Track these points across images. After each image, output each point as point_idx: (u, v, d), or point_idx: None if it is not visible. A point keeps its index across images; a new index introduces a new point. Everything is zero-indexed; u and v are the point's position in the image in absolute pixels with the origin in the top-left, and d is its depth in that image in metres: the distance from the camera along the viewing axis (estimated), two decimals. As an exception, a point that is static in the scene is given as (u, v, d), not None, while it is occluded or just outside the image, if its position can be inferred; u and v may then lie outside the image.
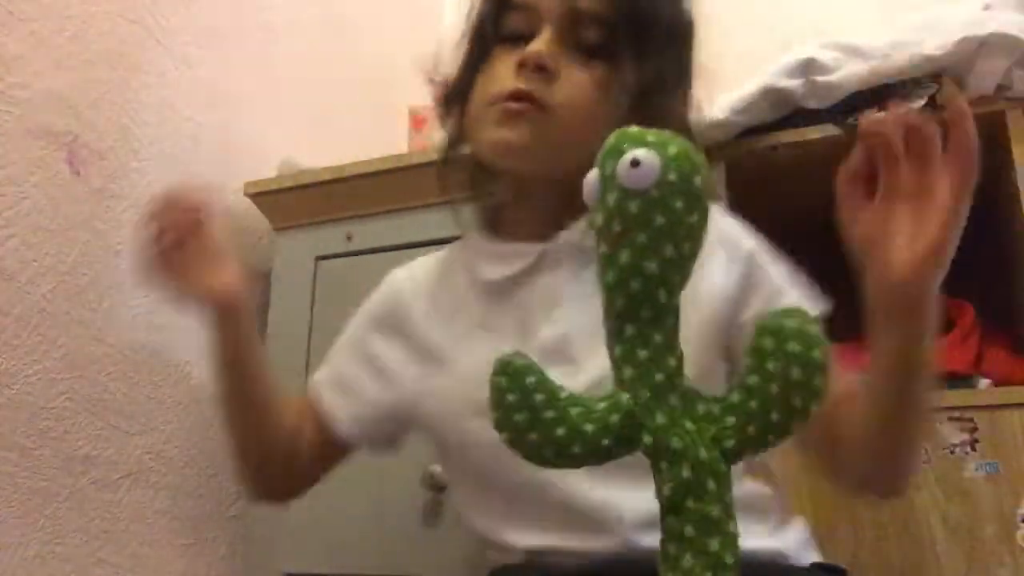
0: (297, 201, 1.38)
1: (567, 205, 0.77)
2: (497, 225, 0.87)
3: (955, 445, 1.00)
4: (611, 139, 0.48)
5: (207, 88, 1.41)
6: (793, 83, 1.13)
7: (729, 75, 1.20)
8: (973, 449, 0.99)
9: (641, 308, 0.46)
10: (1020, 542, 0.95)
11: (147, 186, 1.27)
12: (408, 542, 1.13)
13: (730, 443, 0.45)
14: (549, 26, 0.77)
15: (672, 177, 0.45)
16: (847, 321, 1.28)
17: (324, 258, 1.35)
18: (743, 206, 1.36)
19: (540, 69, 0.75)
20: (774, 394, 0.44)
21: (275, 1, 1.59)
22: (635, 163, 0.45)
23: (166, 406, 1.26)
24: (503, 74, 0.78)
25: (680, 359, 0.48)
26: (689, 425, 0.46)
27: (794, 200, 1.35)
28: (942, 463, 1.00)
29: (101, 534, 1.13)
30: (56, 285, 1.11)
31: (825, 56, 1.12)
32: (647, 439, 0.46)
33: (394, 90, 1.87)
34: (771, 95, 1.16)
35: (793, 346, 0.43)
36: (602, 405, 0.47)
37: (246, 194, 1.41)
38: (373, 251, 1.32)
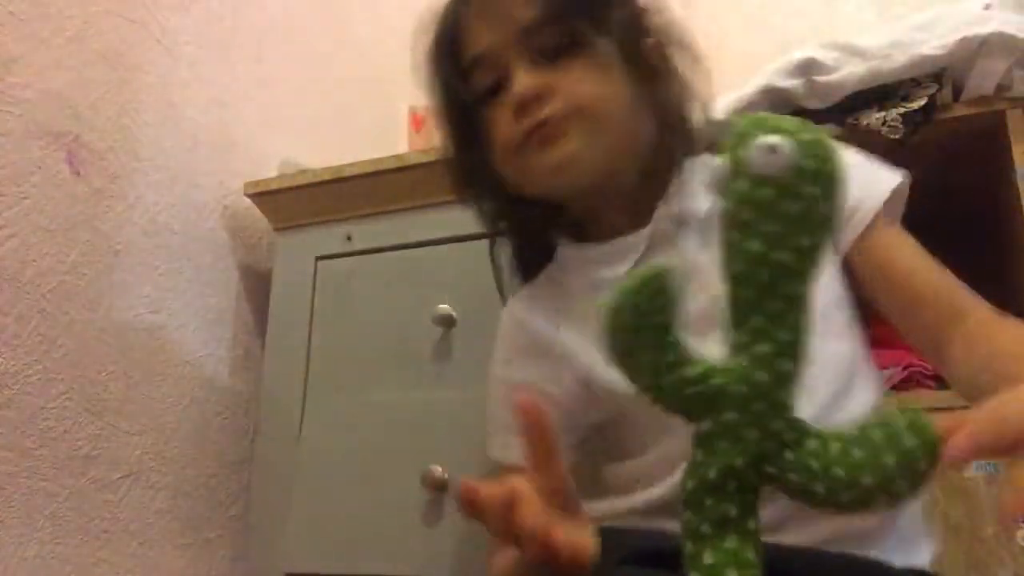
0: (297, 201, 1.38)
1: (646, 183, 0.77)
2: (585, 236, 0.86)
3: (955, 445, 1.00)
4: (742, 124, 0.45)
5: (207, 88, 1.41)
6: (793, 83, 1.13)
7: (729, 75, 1.20)
8: (973, 449, 0.99)
9: (770, 300, 0.44)
10: (1020, 542, 0.95)
11: (147, 186, 1.27)
12: (408, 542, 1.13)
13: (771, 471, 0.44)
14: (514, 59, 0.76)
15: (808, 163, 0.42)
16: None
17: (324, 258, 1.35)
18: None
19: (537, 99, 0.75)
20: (842, 472, 0.42)
21: (275, 1, 1.59)
22: (771, 149, 0.42)
23: (166, 406, 1.26)
24: (507, 125, 0.77)
25: (798, 364, 0.45)
26: (751, 433, 0.44)
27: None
28: (942, 463, 1.00)
29: (101, 534, 1.13)
30: (56, 285, 1.11)
31: (825, 56, 1.12)
32: (706, 425, 0.45)
33: (394, 90, 1.87)
34: (771, 95, 1.16)
35: (922, 465, 0.42)
36: (693, 372, 0.45)
37: (246, 194, 1.41)
38: (373, 251, 1.32)
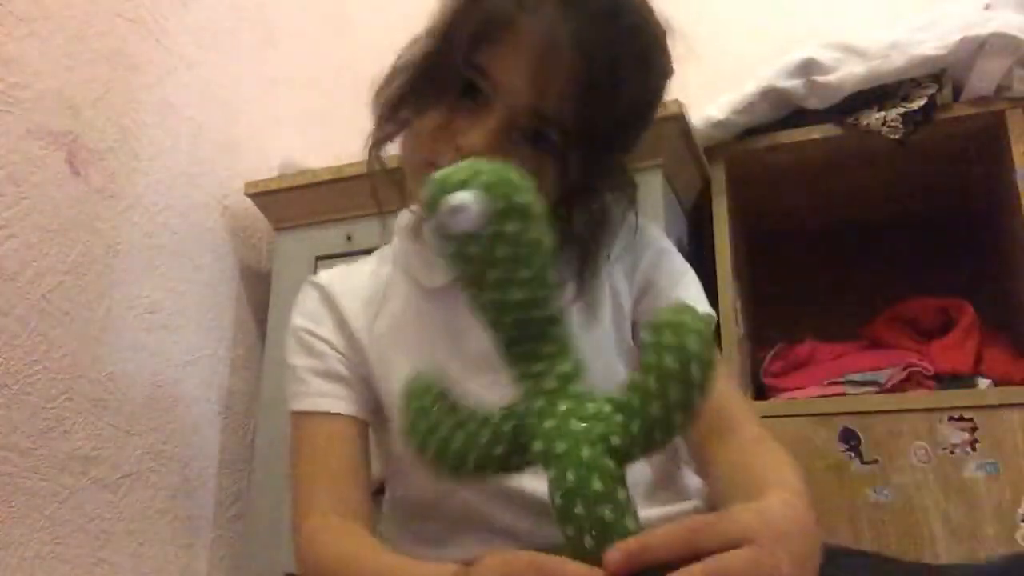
0: (297, 201, 1.38)
1: None
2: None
3: (955, 445, 1.00)
4: (425, 191, 0.47)
5: (207, 88, 1.41)
6: (793, 83, 1.13)
7: (729, 75, 1.21)
8: (973, 449, 0.99)
9: (525, 330, 0.47)
10: (1020, 542, 0.95)
11: (147, 186, 1.27)
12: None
13: (616, 440, 0.44)
14: (499, 111, 0.67)
15: (495, 205, 0.45)
16: (845, 319, 1.28)
17: (324, 258, 1.35)
18: (743, 206, 1.36)
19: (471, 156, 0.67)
20: (652, 388, 0.43)
21: (275, 1, 1.59)
22: (456, 210, 0.45)
23: (166, 406, 1.26)
24: (434, 133, 0.70)
25: (577, 364, 0.48)
26: (576, 425, 0.45)
27: (794, 200, 1.35)
28: (942, 463, 1.00)
29: (101, 534, 1.13)
30: (56, 285, 1.11)
31: (825, 56, 1.12)
32: (537, 445, 0.46)
33: (394, 90, 1.87)
34: (771, 95, 1.16)
35: (668, 337, 0.43)
36: (498, 416, 0.48)
37: (246, 194, 1.41)
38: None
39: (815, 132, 1.15)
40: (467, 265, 0.46)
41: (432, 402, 0.48)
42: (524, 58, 0.66)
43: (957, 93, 1.08)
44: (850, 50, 1.12)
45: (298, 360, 0.83)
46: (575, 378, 0.47)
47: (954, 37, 1.05)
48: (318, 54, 1.70)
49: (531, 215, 0.46)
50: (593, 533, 0.43)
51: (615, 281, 0.78)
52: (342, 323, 0.81)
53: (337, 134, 1.71)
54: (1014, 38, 1.03)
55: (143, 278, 1.25)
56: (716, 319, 0.87)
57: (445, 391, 0.49)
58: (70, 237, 1.14)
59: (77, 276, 1.14)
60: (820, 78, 1.12)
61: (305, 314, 0.84)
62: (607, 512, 0.43)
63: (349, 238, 1.34)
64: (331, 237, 1.35)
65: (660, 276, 0.78)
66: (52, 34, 1.13)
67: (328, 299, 0.84)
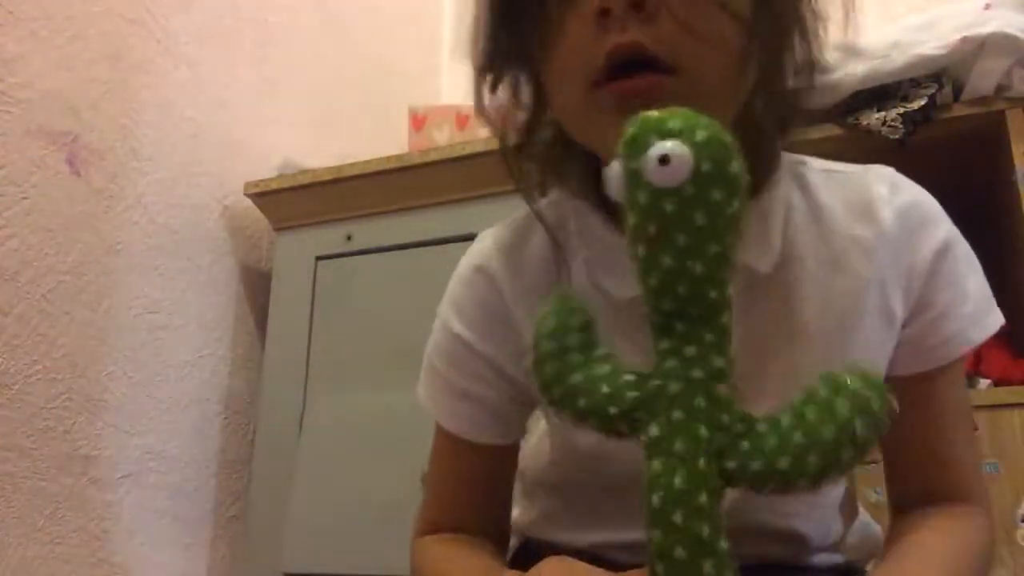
0: (297, 201, 1.38)
1: None
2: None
3: (955, 445, 1.00)
4: (631, 128, 0.42)
5: (207, 88, 1.41)
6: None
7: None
8: (973, 449, 0.99)
9: (691, 307, 0.43)
10: (1020, 542, 0.95)
11: (147, 186, 1.27)
12: (408, 542, 1.13)
13: (731, 464, 0.42)
14: None
15: (706, 167, 0.41)
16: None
17: (324, 258, 1.35)
18: (743, 206, 1.36)
19: (636, 6, 0.51)
20: (794, 444, 0.41)
21: (275, 1, 1.59)
22: (664, 160, 0.41)
23: (166, 406, 1.26)
24: (582, 40, 0.53)
25: (730, 364, 0.43)
26: (703, 431, 0.42)
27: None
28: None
29: (101, 534, 1.13)
30: (56, 285, 1.11)
31: (825, 56, 1.12)
32: (653, 430, 0.42)
33: (394, 90, 1.87)
34: (771, 95, 1.16)
35: (842, 406, 0.40)
36: (629, 378, 0.44)
37: (246, 194, 1.41)
38: (373, 251, 1.32)
39: (815, 132, 1.14)
40: (654, 220, 0.41)
41: (570, 328, 0.44)
42: None
43: (957, 93, 1.08)
44: (850, 50, 1.12)
45: (441, 366, 0.72)
46: (723, 378, 0.43)
47: (954, 37, 1.05)
48: (317, 55, 1.70)
49: (737, 187, 0.42)
50: (685, 545, 0.40)
51: (877, 270, 0.59)
52: (508, 323, 0.65)
53: (337, 134, 1.71)
54: (1014, 38, 1.03)
55: (143, 278, 1.25)
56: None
57: (587, 324, 0.45)
58: (70, 237, 1.14)
59: (77, 276, 1.14)
60: (820, 78, 1.12)
61: (464, 318, 0.68)
62: (705, 529, 0.40)
63: (349, 238, 1.34)
64: (331, 237, 1.35)
65: (939, 290, 0.60)
66: (52, 34, 1.13)
67: (496, 292, 0.66)
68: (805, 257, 0.59)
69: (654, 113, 0.43)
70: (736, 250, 0.43)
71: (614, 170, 0.43)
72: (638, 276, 0.44)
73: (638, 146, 0.42)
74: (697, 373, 0.43)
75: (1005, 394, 1.03)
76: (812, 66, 0.63)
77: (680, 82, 0.51)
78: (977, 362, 1.12)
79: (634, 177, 0.42)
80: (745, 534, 0.47)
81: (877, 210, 0.61)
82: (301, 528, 1.20)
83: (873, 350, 0.59)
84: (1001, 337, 1.16)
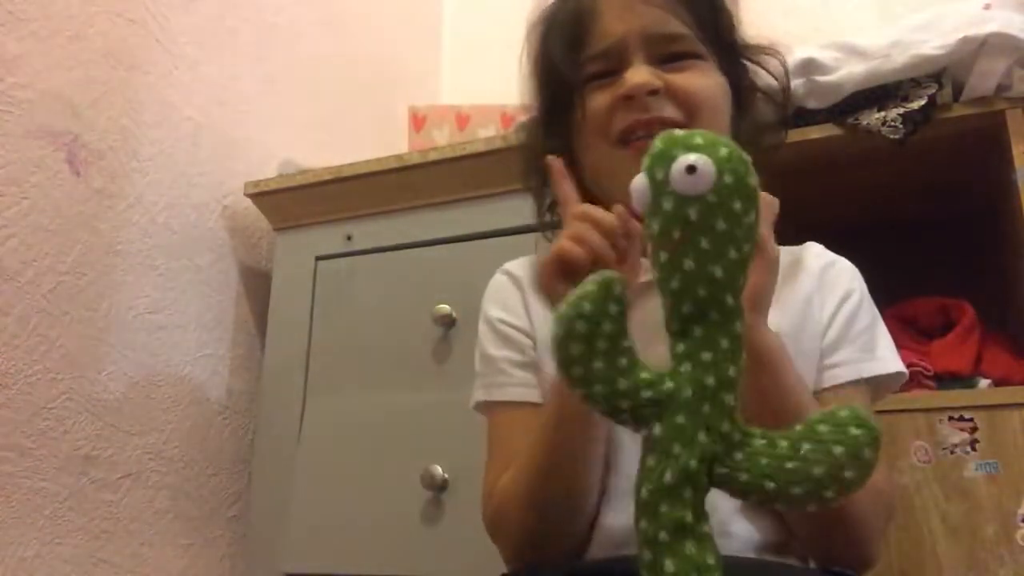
0: (297, 201, 1.38)
1: None
2: None
3: (955, 445, 1.00)
4: (658, 143, 0.47)
5: (207, 88, 1.41)
6: (793, 83, 1.13)
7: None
8: (973, 449, 0.99)
9: (709, 310, 0.46)
10: (1020, 542, 0.95)
11: (147, 186, 1.27)
12: (408, 542, 1.13)
13: (721, 471, 0.45)
14: (637, 54, 0.75)
15: (728, 180, 0.45)
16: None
17: (324, 258, 1.35)
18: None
19: (651, 94, 0.74)
20: (787, 468, 0.43)
21: (275, 1, 1.59)
22: (691, 169, 0.45)
23: (166, 406, 1.26)
24: (606, 112, 0.76)
25: (740, 372, 0.47)
26: (702, 437, 0.45)
27: (794, 200, 1.35)
28: (942, 463, 1.00)
29: (101, 534, 1.13)
30: (56, 285, 1.11)
31: (825, 56, 1.12)
32: (657, 430, 0.46)
33: (394, 90, 1.87)
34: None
35: (867, 453, 0.43)
36: (646, 376, 0.46)
37: (246, 194, 1.41)
38: (373, 251, 1.32)
39: (814, 132, 1.14)
40: (677, 226, 0.45)
41: (605, 311, 0.46)
42: (610, 12, 0.77)
43: (957, 93, 1.08)
44: (850, 50, 1.12)
45: (495, 351, 0.82)
46: (732, 388, 0.46)
47: (954, 37, 1.05)
48: (317, 55, 1.70)
49: (754, 200, 0.46)
50: (669, 530, 0.44)
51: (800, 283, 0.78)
52: (529, 312, 0.82)
53: (337, 134, 1.71)
54: (1014, 38, 1.03)
55: (143, 278, 1.25)
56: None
57: (621, 313, 0.46)
58: (70, 237, 1.14)
59: (77, 276, 1.14)
60: (820, 78, 1.11)
61: (499, 303, 0.84)
62: (688, 516, 0.44)
63: (349, 238, 1.34)
64: (331, 237, 1.35)
65: (851, 331, 0.76)
66: (52, 34, 1.13)
67: (519, 287, 0.84)
68: None
69: (680, 132, 0.48)
70: (749, 264, 0.47)
71: (640, 182, 0.47)
72: (659, 282, 0.47)
73: (665, 158, 0.46)
74: (710, 380, 0.46)
75: (1005, 394, 1.03)
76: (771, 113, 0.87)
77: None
78: (977, 362, 1.12)
79: (660, 187, 0.46)
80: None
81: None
82: (301, 528, 1.20)
83: None
84: (1001, 337, 1.16)
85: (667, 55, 0.76)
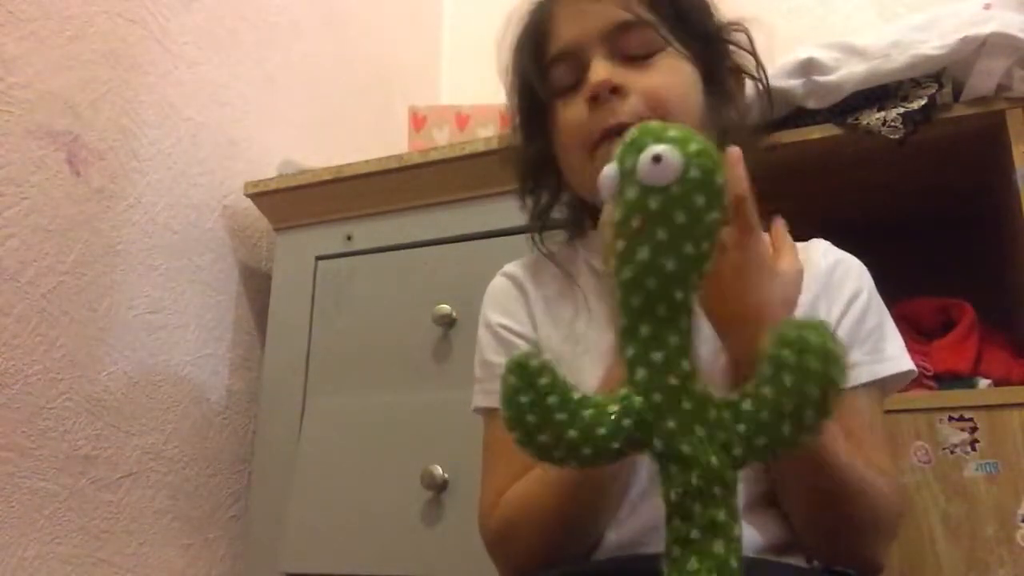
0: (297, 201, 1.38)
1: None
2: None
3: (955, 445, 1.00)
4: (634, 132, 0.47)
5: (207, 88, 1.41)
6: (793, 83, 1.13)
7: (729, 75, 1.20)
8: (973, 449, 0.99)
9: (657, 307, 0.46)
10: (1020, 542, 0.95)
11: (147, 186, 1.27)
12: (408, 542, 1.13)
13: (738, 451, 0.45)
14: (596, 54, 0.75)
15: (694, 174, 0.45)
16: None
17: (324, 258, 1.35)
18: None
19: (615, 91, 0.74)
20: (787, 409, 0.43)
21: (275, 1, 1.59)
22: (657, 159, 0.44)
23: (166, 406, 1.26)
24: (578, 120, 0.76)
25: (695, 363, 0.47)
26: (699, 431, 0.45)
27: (794, 200, 1.35)
28: (942, 463, 1.00)
29: (101, 534, 1.13)
30: (56, 285, 1.11)
31: (825, 56, 1.12)
32: (658, 444, 0.46)
33: (394, 90, 1.87)
34: (771, 95, 1.16)
35: (813, 363, 0.42)
36: (614, 408, 0.46)
37: (246, 194, 1.41)
38: (373, 251, 1.32)
39: (814, 132, 1.14)
40: (637, 215, 0.45)
41: (544, 388, 0.46)
42: (564, 18, 0.78)
43: (957, 93, 1.08)
44: (850, 50, 1.12)
45: (495, 357, 0.81)
46: (693, 378, 0.46)
47: (954, 37, 1.05)
48: (317, 55, 1.70)
49: (719, 199, 0.46)
50: (701, 528, 0.44)
51: None
52: (531, 317, 0.82)
53: (337, 134, 1.71)
54: (1014, 38, 1.03)
55: (143, 278, 1.25)
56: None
57: (555, 375, 0.47)
58: (70, 237, 1.14)
59: (77, 276, 1.14)
60: (820, 78, 1.11)
61: (500, 307, 0.84)
62: (721, 515, 0.44)
63: (349, 238, 1.34)
64: (331, 237, 1.35)
65: (860, 333, 0.76)
66: (52, 34, 1.13)
67: (521, 290, 0.84)
68: None
69: (657, 123, 0.47)
70: (709, 263, 0.46)
71: (609, 170, 0.47)
72: (614, 273, 0.47)
73: (635, 147, 0.46)
74: (672, 380, 0.46)
75: (1005, 394, 1.03)
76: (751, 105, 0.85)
77: None
78: (977, 362, 1.12)
79: (627, 175, 0.46)
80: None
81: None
82: (301, 528, 1.20)
83: None
84: (1001, 337, 1.16)
85: (629, 50, 0.76)
